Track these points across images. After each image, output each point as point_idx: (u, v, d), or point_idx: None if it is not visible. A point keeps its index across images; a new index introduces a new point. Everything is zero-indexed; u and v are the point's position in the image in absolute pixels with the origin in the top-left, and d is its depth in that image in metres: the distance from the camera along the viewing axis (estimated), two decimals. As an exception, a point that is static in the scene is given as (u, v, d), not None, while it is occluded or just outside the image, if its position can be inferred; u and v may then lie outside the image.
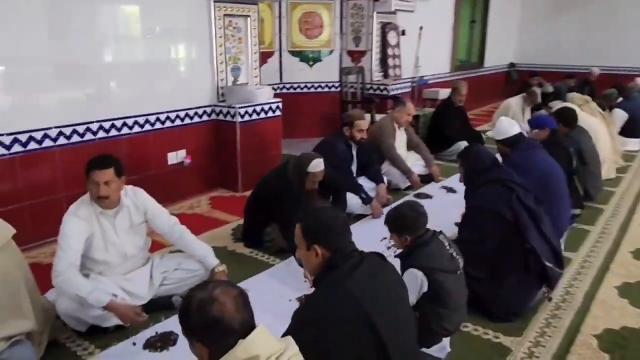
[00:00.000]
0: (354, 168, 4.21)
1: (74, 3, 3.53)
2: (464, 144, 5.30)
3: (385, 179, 4.40)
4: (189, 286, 2.64)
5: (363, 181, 4.18)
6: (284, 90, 6.85)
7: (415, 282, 2.08)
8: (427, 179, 4.88)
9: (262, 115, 4.73)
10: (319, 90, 6.86)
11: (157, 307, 2.59)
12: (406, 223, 2.18)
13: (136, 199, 2.58)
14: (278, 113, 4.90)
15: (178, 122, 4.38)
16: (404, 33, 7.12)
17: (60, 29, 3.49)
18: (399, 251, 2.30)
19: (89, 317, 2.33)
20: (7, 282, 2.03)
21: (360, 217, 3.95)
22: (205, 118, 4.61)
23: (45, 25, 3.40)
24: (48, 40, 3.43)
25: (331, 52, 6.93)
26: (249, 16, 4.73)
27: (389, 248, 3.29)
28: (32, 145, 3.42)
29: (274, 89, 6.68)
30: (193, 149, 4.50)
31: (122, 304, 2.33)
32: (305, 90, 6.94)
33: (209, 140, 4.64)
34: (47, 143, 3.50)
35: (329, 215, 1.75)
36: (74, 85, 3.67)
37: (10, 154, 3.31)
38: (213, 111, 4.64)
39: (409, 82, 7.09)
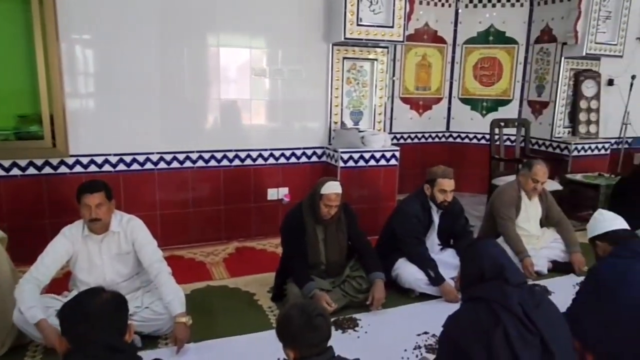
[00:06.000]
0: (433, 236, 3.46)
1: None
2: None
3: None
4: (153, 327, 2.61)
5: (447, 255, 3.45)
6: (450, 140, 6.33)
7: None
8: (565, 268, 3.76)
9: (372, 163, 4.41)
10: (485, 142, 6.05)
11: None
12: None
13: (127, 228, 2.63)
14: (393, 162, 4.49)
15: (282, 160, 4.43)
16: (610, 83, 5.76)
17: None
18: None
19: (31, 330, 2.35)
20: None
21: (427, 296, 3.27)
22: (314, 159, 4.55)
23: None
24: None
25: (509, 101, 6.07)
26: (375, 59, 4.51)
27: (422, 347, 2.59)
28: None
29: (438, 136, 6.33)
30: (295, 188, 4.48)
31: (49, 327, 2.26)
32: (475, 140, 6.26)
33: (315, 181, 4.53)
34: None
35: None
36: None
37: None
38: (323, 153, 4.55)
39: (609, 142, 5.63)
